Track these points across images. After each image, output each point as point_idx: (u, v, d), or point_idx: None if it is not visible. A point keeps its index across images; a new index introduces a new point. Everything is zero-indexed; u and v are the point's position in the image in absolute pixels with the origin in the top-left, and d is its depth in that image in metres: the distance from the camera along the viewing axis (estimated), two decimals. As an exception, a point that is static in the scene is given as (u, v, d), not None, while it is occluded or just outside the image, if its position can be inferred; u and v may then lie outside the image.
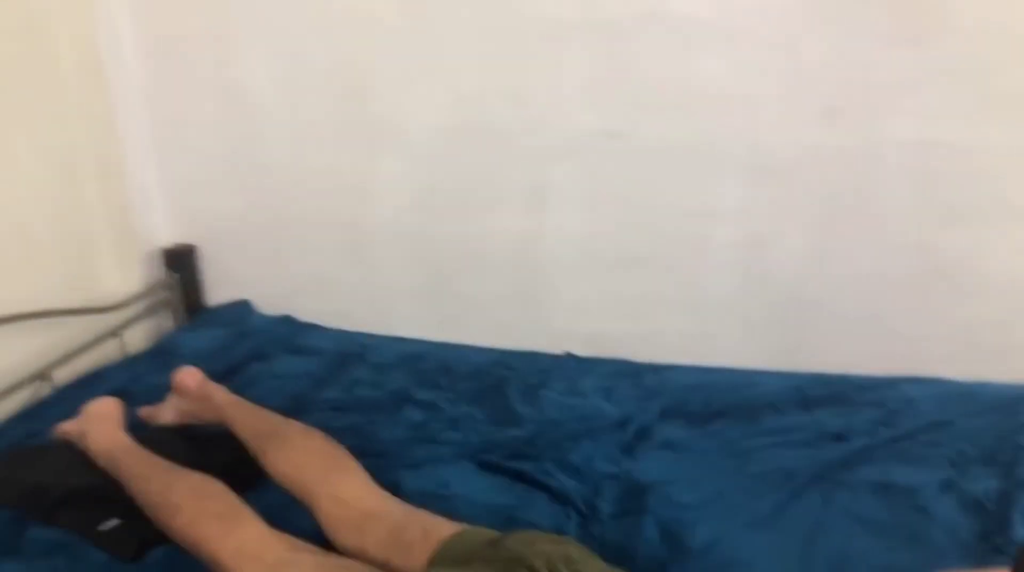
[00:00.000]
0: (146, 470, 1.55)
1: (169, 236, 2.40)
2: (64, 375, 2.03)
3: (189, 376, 1.82)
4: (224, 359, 2.12)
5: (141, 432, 1.74)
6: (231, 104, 2.26)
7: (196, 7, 2.20)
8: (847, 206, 1.93)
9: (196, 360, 2.10)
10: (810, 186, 1.94)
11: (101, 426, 1.68)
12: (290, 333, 2.28)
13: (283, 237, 2.35)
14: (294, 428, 1.63)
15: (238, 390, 1.97)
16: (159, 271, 2.37)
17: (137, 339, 2.26)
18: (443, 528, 1.39)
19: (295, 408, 1.92)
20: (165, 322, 2.38)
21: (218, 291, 2.44)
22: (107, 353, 2.16)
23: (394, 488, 1.60)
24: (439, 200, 2.19)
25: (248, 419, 1.67)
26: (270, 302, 2.40)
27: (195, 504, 1.45)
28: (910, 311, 1.96)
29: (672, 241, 2.06)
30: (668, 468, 1.69)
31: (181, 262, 2.37)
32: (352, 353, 2.18)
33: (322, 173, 2.26)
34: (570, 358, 2.13)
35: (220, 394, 1.78)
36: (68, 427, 1.73)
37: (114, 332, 2.17)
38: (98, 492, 1.57)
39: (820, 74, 1.86)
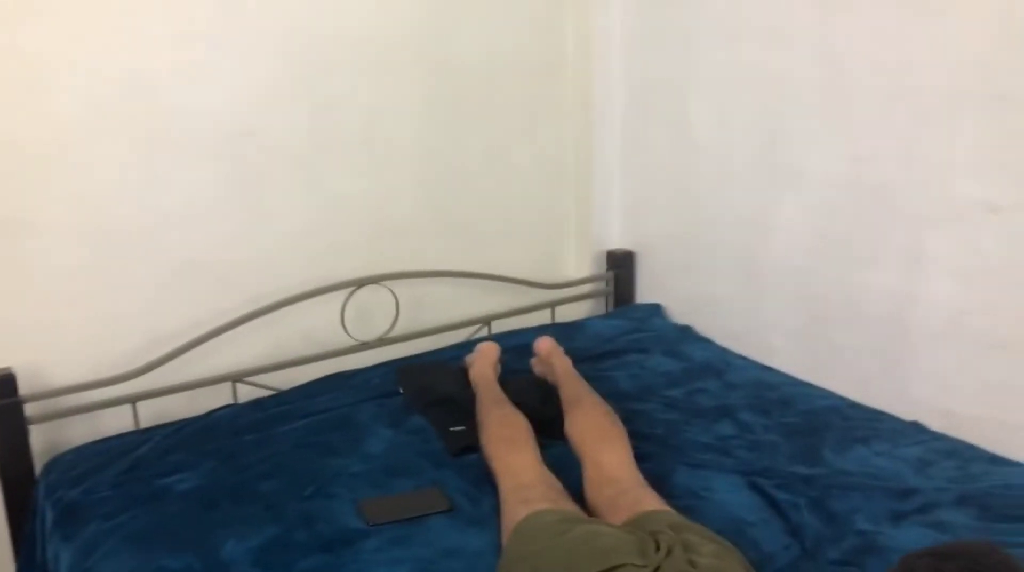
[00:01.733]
0: (485, 397, 2.09)
1: (616, 241, 2.90)
2: (499, 326, 2.67)
3: (544, 342, 2.32)
4: (612, 344, 2.57)
5: (513, 376, 2.29)
6: (680, 140, 2.67)
7: (666, 61, 2.66)
8: None
9: (593, 339, 2.61)
10: None
11: (480, 361, 2.26)
12: (676, 339, 2.62)
13: (699, 258, 2.69)
14: (591, 403, 2.01)
15: (607, 369, 2.42)
16: (602, 267, 2.89)
17: (565, 315, 2.82)
18: (649, 503, 1.65)
19: (636, 394, 2.30)
20: (596, 309, 2.90)
21: (645, 293, 2.88)
22: (537, 318, 2.75)
23: (667, 475, 1.90)
24: (827, 246, 2.32)
25: (567, 387, 2.10)
26: (681, 311, 2.76)
27: (496, 428, 1.94)
28: None
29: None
30: (919, 545, 1.66)
31: (620, 263, 2.86)
32: (715, 367, 2.44)
33: (735, 208, 2.54)
34: (913, 427, 2.10)
35: (560, 363, 2.23)
36: (468, 357, 2.35)
37: (550, 305, 2.76)
38: (461, 404, 2.15)
39: None
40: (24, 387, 2.03)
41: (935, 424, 2.10)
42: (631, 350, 2.54)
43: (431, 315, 2.61)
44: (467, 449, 2.01)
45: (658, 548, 1.41)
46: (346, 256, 2.46)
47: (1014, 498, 1.79)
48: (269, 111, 2.29)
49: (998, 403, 2.02)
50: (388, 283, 2.49)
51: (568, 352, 2.37)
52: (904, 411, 2.16)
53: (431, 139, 2.55)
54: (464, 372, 2.31)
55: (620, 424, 1.95)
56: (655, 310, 2.79)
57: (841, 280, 2.30)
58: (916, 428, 2.11)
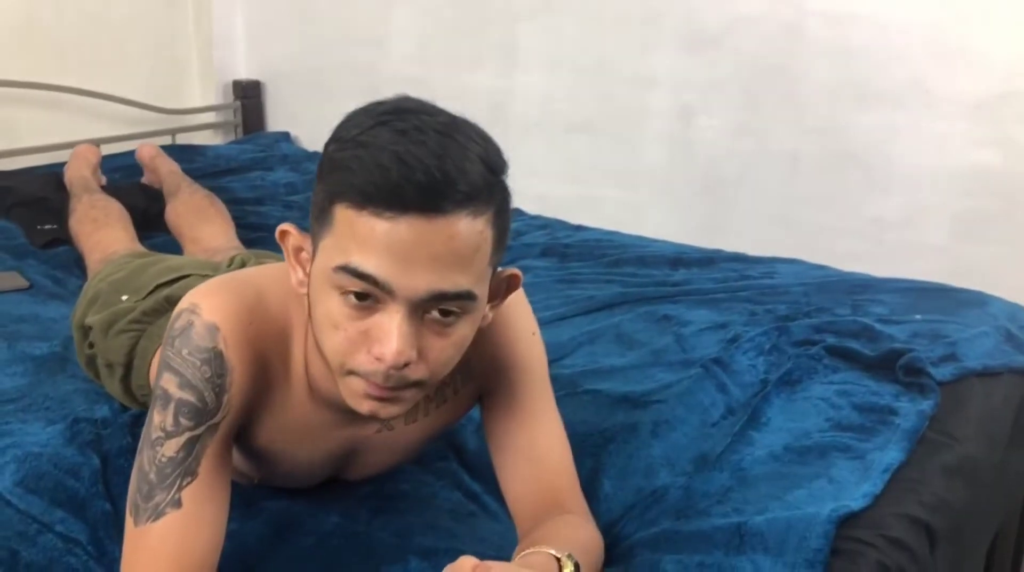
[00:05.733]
0: (79, 190, 1.95)
1: (242, 71, 2.82)
2: (114, 147, 2.50)
3: (146, 148, 2.22)
4: (237, 161, 2.51)
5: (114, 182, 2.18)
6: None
7: None
8: (769, 81, 1.90)
9: (215, 160, 2.52)
10: (737, 59, 1.93)
11: (77, 162, 2.11)
12: (303, 158, 2.61)
13: (325, 83, 2.68)
14: (190, 190, 1.96)
15: (227, 182, 2.35)
16: (229, 98, 2.80)
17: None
18: (231, 253, 1.63)
19: (256, 200, 2.26)
20: (224, 141, 2.82)
21: (274, 123, 2.83)
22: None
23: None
24: (436, 53, 2.41)
25: (170, 182, 2.03)
26: (311, 139, 2.76)
27: (86, 210, 1.83)
28: (820, 199, 1.89)
29: (614, 108, 2.13)
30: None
31: (247, 93, 2.78)
32: (339, 177, 2.46)
33: (353, 26, 2.56)
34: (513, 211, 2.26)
35: (165, 165, 2.15)
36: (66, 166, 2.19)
37: (170, 132, 2.63)
38: (52, 205, 1.99)
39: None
40: None
41: (532, 208, 2.27)
42: (255, 168, 2.49)
43: (30, 137, 2.38)
44: (56, 242, 1.88)
45: (231, 263, 1.41)
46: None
47: (586, 248, 1.99)
48: None
49: (581, 180, 2.23)
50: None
51: (188, 172, 2.26)
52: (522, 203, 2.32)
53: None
54: (59, 178, 2.14)
55: (220, 204, 1.92)
56: (284, 137, 2.76)
57: (450, 83, 2.40)
58: (516, 212, 2.27)
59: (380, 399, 0.81)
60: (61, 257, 1.83)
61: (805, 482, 1.05)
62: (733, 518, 0.98)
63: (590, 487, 1.08)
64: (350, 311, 0.78)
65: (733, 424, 1.22)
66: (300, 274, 0.85)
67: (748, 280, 1.74)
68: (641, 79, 2.07)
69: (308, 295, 0.83)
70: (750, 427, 1.21)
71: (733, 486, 1.05)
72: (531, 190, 2.27)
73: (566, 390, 1.31)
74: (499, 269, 0.88)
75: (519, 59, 2.25)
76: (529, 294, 1.03)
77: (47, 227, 1.92)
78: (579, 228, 2.14)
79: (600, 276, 1.82)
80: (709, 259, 1.87)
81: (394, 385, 0.80)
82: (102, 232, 1.74)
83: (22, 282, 1.69)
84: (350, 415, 0.88)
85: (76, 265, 1.78)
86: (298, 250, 0.85)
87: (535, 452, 0.95)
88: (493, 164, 0.81)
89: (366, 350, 0.78)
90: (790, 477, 1.06)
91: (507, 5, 2.23)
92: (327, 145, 0.82)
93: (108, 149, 2.43)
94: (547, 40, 2.19)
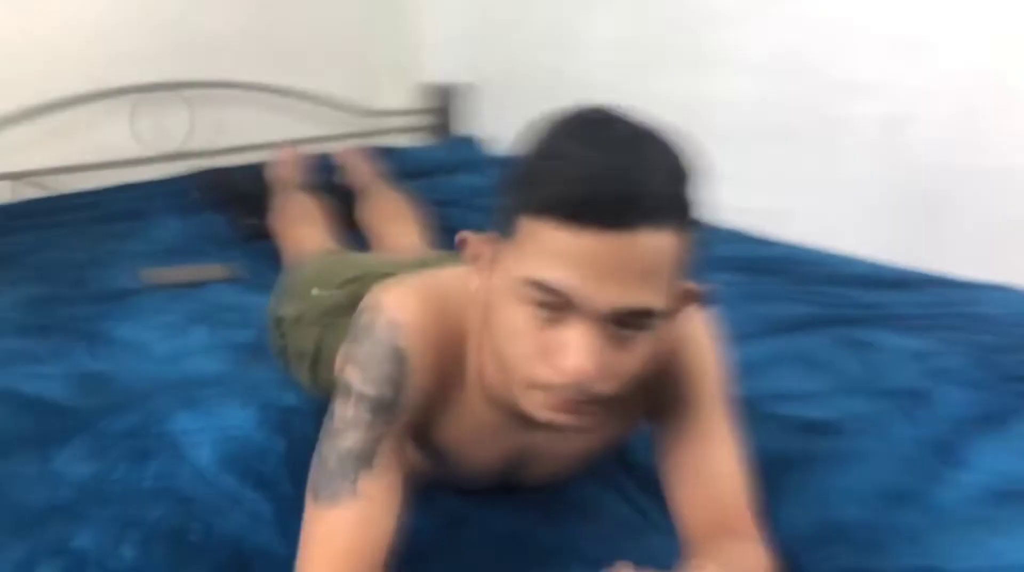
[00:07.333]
0: (281, 188, 2.08)
1: (439, 75, 2.90)
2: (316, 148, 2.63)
3: (346, 151, 2.35)
4: (428, 164, 2.59)
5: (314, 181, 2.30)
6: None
7: None
8: (994, 88, 1.75)
9: (405, 160, 2.61)
10: (955, 63, 1.78)
11: (281, 164, 2.25)
12: (494, 163, 2.65)
13: (518, 84, 2.72)
14: (385, 193, 2.05)
15: (416, 185, 2.43)
16: (427, 101, 2.89)
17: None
18: (418, 253, 1.69)
19: (444, 201, 2.32)
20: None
21: (477, 126, 2.89)
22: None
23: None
24: (629, 58, 2.39)
25: (366, 183, 2.14)
26: (506, 143, 2.79)
27: (286, 207, 1.96)
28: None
29: (815, 115, 2.03)
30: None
31: (445, 96, 2.87)
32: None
33: (549, 29, 2.58)
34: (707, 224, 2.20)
35: (364, 167, 2.26)
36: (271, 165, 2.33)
37: (370, 134, 2.75)
38: (258, 201, 2.13)
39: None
40: None
41: (724, 220, 2.15)
42: (446, 171, 2.56)
43: (237, 138, 2.56)
44: (259, 236, 2.01)
45: (415, 263, 1.45)
46: (141, 63, 2.36)
47: (775, 263, 1.92)
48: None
49: (776, 190, 2.13)
50: (187, 94, 2.41)
51: (382, 174, 2.36)
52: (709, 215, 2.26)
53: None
54: (265, 175, 2.28)
55: (412, 206, 1.99)
56: (476, 141, 2.82)
57: (644, 88, 2.33)
58: (708, 224, 2.20)
59: (561, 411, 0.81)
60: (265, 251, 1.95)
61: (1009, 530, 0.95)
62: (924, 560, 0.92)
63: (765, 514, 1.03)
64: (532, 322, 0.78)
65: (927, 460, 1.13)
66: (479, 281, 0.86)
67: (949, 306, 1.62)
68: (845, 84, 1.96)
69: (487, 302, 0.83)
70: (946, 465, 1.11)
71: (925, 527, 0.98)
72: (727, 201, 2.20)
73: (746, 412, 1.26)
74: (682, 282, 0.85)
75: (716, 63, 2.19)
76: (715, 310, 1.00)
77: (251, 222, 2.06)
78: (767, 242, 2.07)
79: (788, 294, 1.75)
80: (905, 281, 1.75)
81: (576, 399, 0.79)
82: (299, 229, 1.84)
83: (226, 273, 1.81)
84: (522, 420, 0.88)
85: (276, 259, 1.89)
86: (477, 257, 0.86)
87: (705, 472, 0.92)
88: (681, 175, 0.79)
89: (548, 363, 0.78)
90: (991, 523, 0.98)
91: (702, 8, 2.18)
92: (514, 154, 0.82)
93: (309, 149, 2.58)
94: (746, 44, 2.12)
